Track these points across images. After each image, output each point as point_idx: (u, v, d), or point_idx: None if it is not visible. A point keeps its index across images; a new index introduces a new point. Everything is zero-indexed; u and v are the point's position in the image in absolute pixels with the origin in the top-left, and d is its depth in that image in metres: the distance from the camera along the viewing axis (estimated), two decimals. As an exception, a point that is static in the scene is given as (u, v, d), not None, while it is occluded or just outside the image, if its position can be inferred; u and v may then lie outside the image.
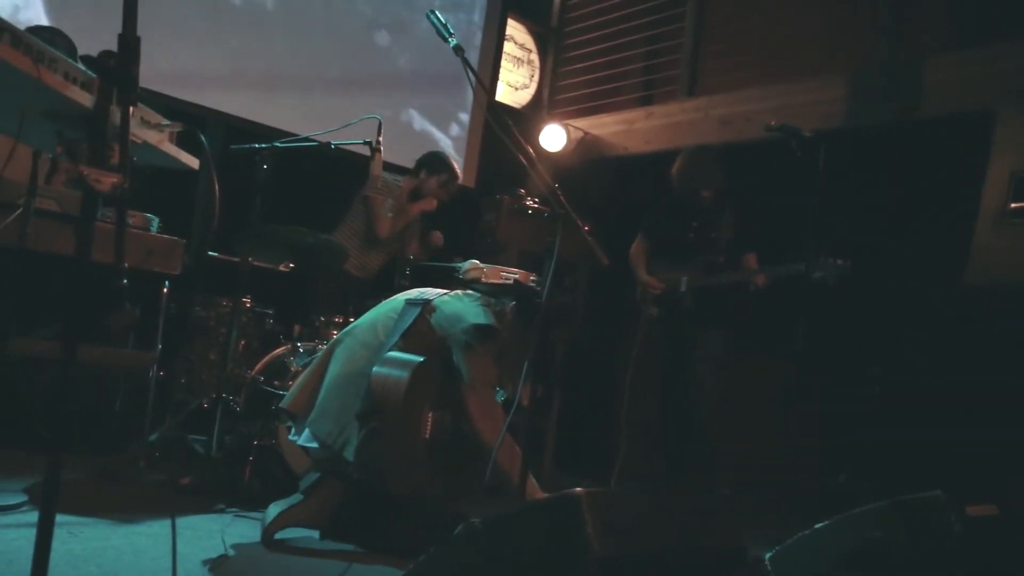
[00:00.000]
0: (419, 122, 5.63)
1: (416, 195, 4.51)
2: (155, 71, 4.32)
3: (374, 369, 2.67)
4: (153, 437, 3.48)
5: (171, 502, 2.95)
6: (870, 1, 4.67)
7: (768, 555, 2.84)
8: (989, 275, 3.88)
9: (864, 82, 4.49)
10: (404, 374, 2.62)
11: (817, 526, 2.80)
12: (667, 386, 4.12)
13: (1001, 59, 3.99)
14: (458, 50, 2.68)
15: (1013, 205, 3.90)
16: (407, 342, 2.76)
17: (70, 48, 3.12)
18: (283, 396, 2.98)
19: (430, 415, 2.72)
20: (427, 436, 2.71)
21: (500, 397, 2.95)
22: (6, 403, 3.16)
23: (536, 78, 6.46)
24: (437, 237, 4.65)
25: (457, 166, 4.61)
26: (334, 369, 2.82)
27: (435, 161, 4.54)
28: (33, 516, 1.59)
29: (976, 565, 2.52)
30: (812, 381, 4.00)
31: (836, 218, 3.58)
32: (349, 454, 2.61)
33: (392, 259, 4.51)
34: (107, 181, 1.60)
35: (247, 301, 3.80)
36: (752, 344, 4.27)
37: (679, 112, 5.51)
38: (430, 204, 4.50)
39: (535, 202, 5.19)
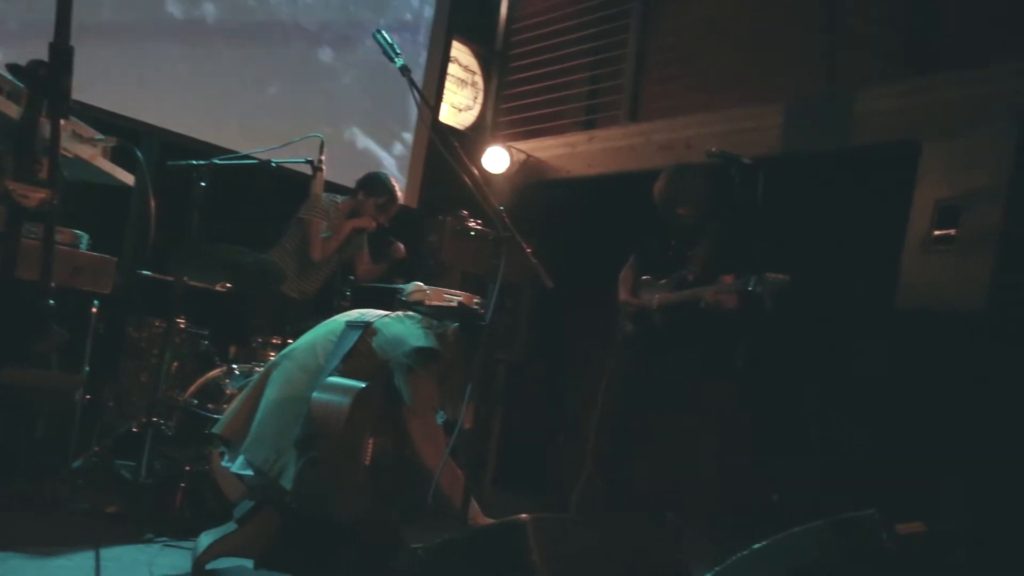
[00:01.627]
0: (362, 141, 5.58)
1: (354, 216, 4.45)
2: (86, 82, 4.18)
3: (314, 394, 2.60)
4: (78, 464, 3.34)
5: (96, 532, 2.83)
6: (805, 34, 4.80)
7: (708, 577, 2.86)
8: (916, 300, 4.00)
9: (799, 111, 4.61)
10: (346, 400, 2.56)
11: (755, 547, 2.83)
12: (636, 404, 4.10)
13: (925, 93, 4.14)
14: (404, 70, 2.67)
15: (937, 232, 4.03)
16: (348, 365, 2.70)
17: None
18: (217, 420, 2.89)
19: (371, 440, 2.67)
20: (368, 462, 2.65)
21: (441, 419, 2.91)
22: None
23: (480, 100, 6.48)
24: (399, 249, 4.59)
25: (398, 188, 4.56)
26: (271, 393, 2.74)
27: (374, 182, 4.49)
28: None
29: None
30: (750, 401, 4.05)
31: (775, 242, 3.65)
32: (287, 482, 2.54)
33: (331, 280, 4.44)
34: (35, 196, 1.53)
35: (181, 322, 3.68)
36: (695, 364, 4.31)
37: (621, 137, 5.57)
38: (367, 223, 4.44)
39: (479, 223, 5.18)
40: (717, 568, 2.84)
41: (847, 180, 4.45)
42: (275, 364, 2.83)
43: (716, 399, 4.08)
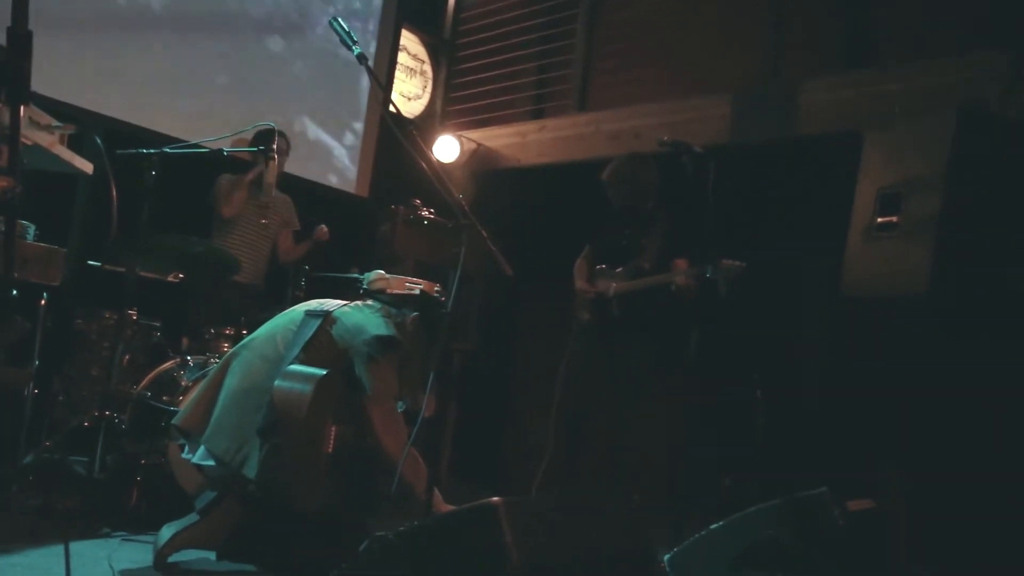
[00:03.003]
0: (313, 131, 5.52)
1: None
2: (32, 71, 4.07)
3: (276, 383, 2.60)
4: (28, 459, 3.26)
5: (51, 528, 2.78)
6: (751, 26, 4.91)
7: (666, 557, 2.93)
8: (861, 286, 4.13)
9: (745, 102, 4.71)
10: (307, 388, 2.56)
11: (712, 527, 2.91)
12: (593, 391, 4.15)
13: (866, 86, 4.28)
14: (362, 58, 2.67)
15: (880, 219, 4.16)
16: (308, 354, 2.70)
17: None
18: (173, 412, 2.86)
19: (333, 429, 2.67)
20: (330, 450, 2.65)
21: (401, 408, 2.93)
22: None
23: (429, 89, 6.46)
24: (322, 231, 4.56)
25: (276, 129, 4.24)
26: (231, 383, 2.72)
27: (254, 140, 4.23)
28: None
29: (857, 556, 2.69)
30: (703, 387, 4.13)
31: (725, 230, 3.73)
32: (250, 471, 2.53)
33: (281, 268, 4.41)
34: (-3, 185, 1.51)
35: (133, 313, 3.61)
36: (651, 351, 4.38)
37: (570, 126, 5.62)
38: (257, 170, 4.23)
39: (431, 212, 5.17)
40: (676, 548, 2.93)
41: (793, 170, 4.56)
42: (234, 354, 2.81)
43: (671, 386, 4.17)
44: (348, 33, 2.64)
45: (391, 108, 3.02)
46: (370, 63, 5.67)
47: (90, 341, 3.69)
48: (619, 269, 4.13)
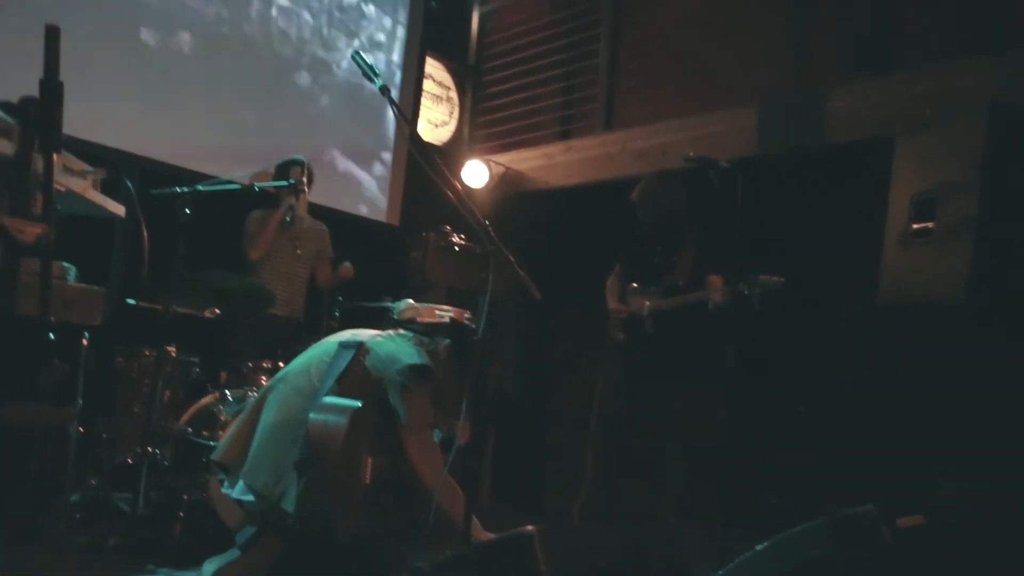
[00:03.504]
0: (342, 163, 5.59)
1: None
2: (69, 114, 4.18)
3: (311, 416, 2.61)
4: (74, 498, 3.31)
5: (98, 566, 2.81)
6: (774, 36, 4.89)
7: (710, 580, 2.89)
8: (898, 294, 4.06)
9: (772, 113, 4.67)
10: (342, 420, 2.57)
11: (757, 548, 2.86)
12: (630, 410, 4.11)
13: (894, 89, 4.22)
14: (384, 90, 2.69)
15: (915, 226, 4.10)
16: (342, 386, 2.71)
17: None
18: (213, 447, 2.89)
19: (369, 460, 2.67)
20: (367, 481, 2.66)
21: (437, 437, 2.93)
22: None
23: (456, 115, 6.51)
24: (346, 269, 4.58)
25: (296, 158, 4.34)
26: (267, 417, 2.74)
27: (276, 173, 4.29)
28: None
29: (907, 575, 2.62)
30: (743, 403, 4.08)
31: (758, 243, 3.70)
32: (288, 505, 2.54)
33: (319, 300, 4.45)
34: (31, 232, 1.55)
35: (172, 350, 3.67)
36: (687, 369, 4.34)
37: (597, 146, 5.62)
38: (285, 203, 4.27)
39: (462, 238, 5.19)
40: (720, 572, 2.88)
41: (824, 178, 4.52)
42: (270, 388, 2.84)
43: (710, 402, 4.12)
44: (371, 67, 2.67)
45: (416, 137, 3.03)
46: (395, 92, 5.80)
47: (131, 379, 3.75)
48: (652, 287, 4.10)
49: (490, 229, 2.68)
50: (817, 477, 4.10)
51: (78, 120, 4.23)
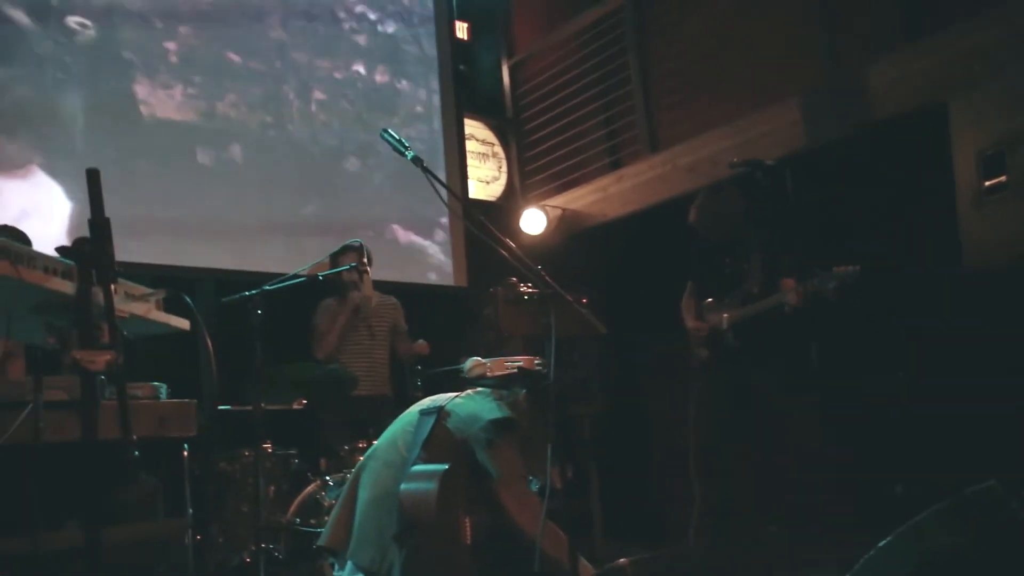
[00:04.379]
0: (403, 235, 5.74)
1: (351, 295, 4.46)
2: (139, 243, 4.45)
3: (402, 486, 2.65)
4: (202, 603, 3.43)
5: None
6: (802, 24, 4.82)
7: (837, 586, 2.77)
8: (982, 254, 3.91)
9: (814, 101, 4.60)
10: (432, 485, 2.60)
11: (880, 544, 2.74)
12: (726, 426, 4.03)
13: (937, 51, 4.10)
14: (416, 161, 2.77)
15: (987, 183, 3.95)
16: (429, 452, 2.75)
17: (25, 241, 3.24)
18: (327, 527, 2.95)
19: (467, 520, 2.69)
20: (468, 541, 2.67)
21: (535, 486, 2.92)
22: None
23: (504, 168, 6.62)
24: (421, 346, 4.64)
25: (353, 244, 4.36)
26: (363, 495, 2.80)
27: (332, 261, 4.32)
28: None
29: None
30: (839, 399, 3.96)
31: (824, 235, 3.63)
32: None
33: (400, 374, 4.54)
34: (100, 360, 1.64)
35: (268, 446, 3.80)
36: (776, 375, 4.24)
37: (647, 169, 5.62)
38: (352, 302, 4.42)
39: (529, 287, 5.23)
40: (847, 574, 2.76)
41: (878, 157, 4.40)
42: (363, 467, 2.90)
43: (805, 404, 4.01)
44: (399, 140, 2.76)
45: (454, 197, 3.10)
46: (440, 158, 5.94)
47: (235, 480, 3.89)
48: (727, 299, 4.04)
49: (544, 274, 2.71)
50: (938, 458, 3.92)
51: (151, 246, 4.54)
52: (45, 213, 4.40)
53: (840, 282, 3.53)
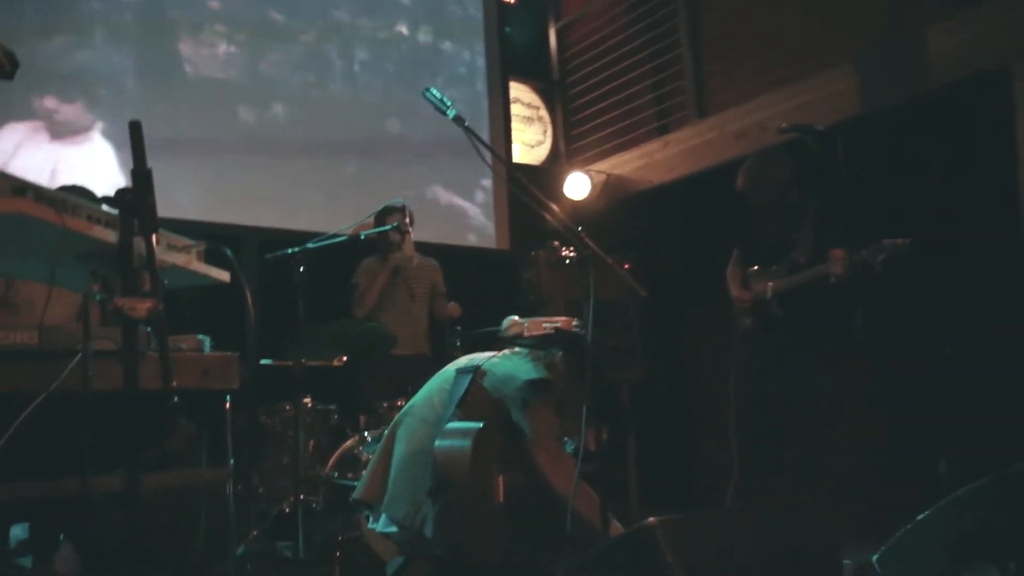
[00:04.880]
0: (444, 197, 5.74)
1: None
2: (184, 201, 4.52)
3: (436, 442, 2.68)
4: (241, 550, 3.51)
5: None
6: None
7: (875, 557, 2.74)
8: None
9: (870, 67, 4.46)
10: (466, 443, 2.62)
11: (919, 518, 2.70)
12: (770, 397, 3.99)
13: (1002, 16, 3.95)
14: (458, 120, 2.75)
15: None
16: (464, 410, 2.76)
17: (93, 199, 3.29)
18: (362, 480, 2.99)
19: (500, 478, 2.71)
20: (501, 500, 2.69)
21: (570, 448, 2.93)
22: (100, 542, 3.24)
23: (549, 132, 6.56)
24: (452, 308, 4.65)
25: (395, 204, 4.42)
26: (399, 450, 2.83)
27: (376, 219, 4.36)
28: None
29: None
30: (878, 374, 3.89)
31: (870, 205, 3.54)
32: (428, 531, 2.61)
33: (440, 332, 4.57)
34: (142, 307, 1.67)
35: (308, 401, 3.86)
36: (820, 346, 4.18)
37: (695, 135, 5.54)
38: (395, 262, 4.43)
39: (571, 251, 5.21)
40: (883, 547, 2.73)
41: (936, 125, 4.27)
42: (398, 423, 2.93)
43: (848, 376, 3.94)
44: (441, 99, 2.74)
45: (502, 160, 3.09)
46: (484, 121, 5.91)
47: (276, 433, 3.97)
48: (773, 267, 3.97)
49: (583, 235, 2.68)
50: (985, 436, 3.84)
51: (195, 203, 4.61)
52: (106, 176, 4.49)
53: (889, 254, 3.44)
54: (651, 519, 1.64)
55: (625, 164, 6.01)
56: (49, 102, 4.48)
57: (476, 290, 4.72)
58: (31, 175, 1.77)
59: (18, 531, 3.59)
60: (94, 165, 4.52)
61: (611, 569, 1.72)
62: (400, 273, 4.48)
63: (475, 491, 2.59)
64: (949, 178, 4.20)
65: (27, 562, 3.56)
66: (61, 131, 4.50)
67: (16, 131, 4.40)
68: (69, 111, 4.54)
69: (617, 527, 2.63)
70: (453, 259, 5.19)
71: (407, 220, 4.01)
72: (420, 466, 2.72)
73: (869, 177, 3.77)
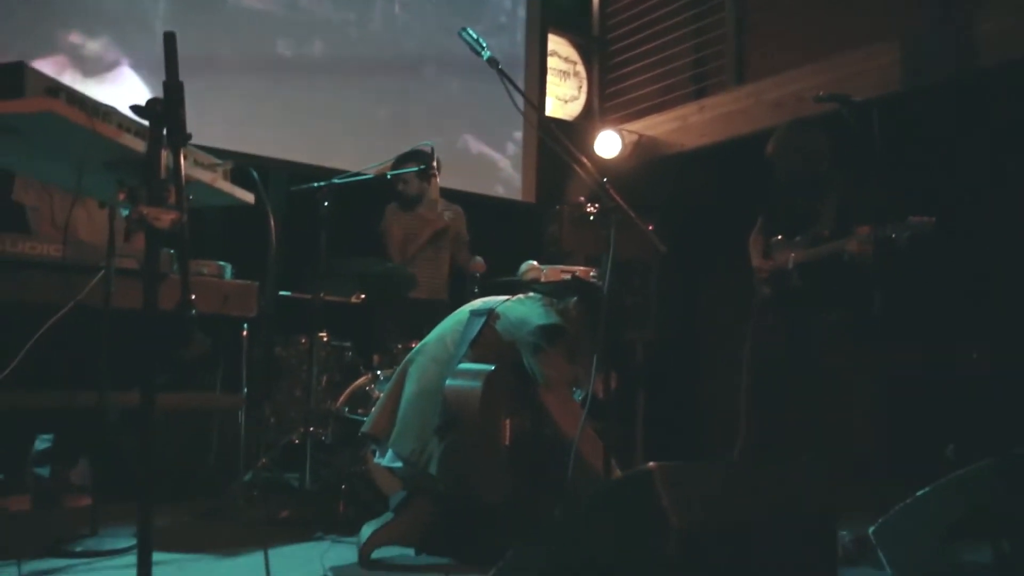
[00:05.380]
0: (475, 146, 5.72)
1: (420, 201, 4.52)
2: (215, 129, 4.53)
3: (447, 382, 2.71)
4: (248, 476, 3.59)
5: (271, 535, 3.04)
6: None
7: (871, 529, 2.76)
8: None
9: (915, 42, 4.37)
10: (477, 384, 2.65)
11: (919, 494, 2.71)
12: (783, 366, 3.99)
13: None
14: (492, 62, 2.73)
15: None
16: (476, 352, 2.79)
17: None
18: (372, 415, 3.04)
19: (507, 421, 2.74)
20: (508, 442, 2.73)
21: (578, 396, 2.95)
22: (114, 458, 3.33)
23: (584, 88, 6.50)
24: (477, 264, 4.66)
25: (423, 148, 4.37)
26: (409, 388, 2.87)
27: (398, 165, 4.33)
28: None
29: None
30: (900, 352, 3.86)
31: (900, 183, 3.48)
32: (433, 469, 2.65)
33: (460, 280, 4.59)
34: (166, 218, 1.69)
35: (324, 336, 3.90)
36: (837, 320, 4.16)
37: (731, 101, 5.46)
38: (433, 227, 4.51)
39: (595, 207, 5.18)
40: (881, 519, 2.75)
41: (979, 107, 4.18)
42: (410, 361, 2.97)
43: (861, 355, 3.92)
44: (476, 40, 2.72)
45: (534, 105, 3.07)
46: (520, 72, 5.86)
47: (291, 365, 4.02)
48: (797, 238, 3.94)
49: (609, 187, 2.67)
50: (997, 421, 3.82)
51: (226, 132, 4.62)
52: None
53: (915, 232, 3.40)
54: (651, 463, 1.66)
55: (658, 126, 5.95)
56: (75, 37, 4.47)
57: (499, 241, 4.72)
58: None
59: (41, 442, 3.70)
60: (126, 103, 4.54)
61: (607, 509, 1.74)
62: (443, 238, 4.52)
63: (482, 432, 2.63)
64: (986, 162, 4.13)
65: (44, 472, 3.68)
66: (91, 68, 4.48)
67: (46, 66, 4.40)
68: (95, 46, 4.53)
69: (617, 473, 2.66)
70: (479, 209, 5.19)
71: (434, 163, 4.00)
72: (429, 404, 2.75)
73: (902, 155, 3.71)
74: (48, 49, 4.34)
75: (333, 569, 2.66)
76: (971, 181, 4.20)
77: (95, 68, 4.48)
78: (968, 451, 3.87)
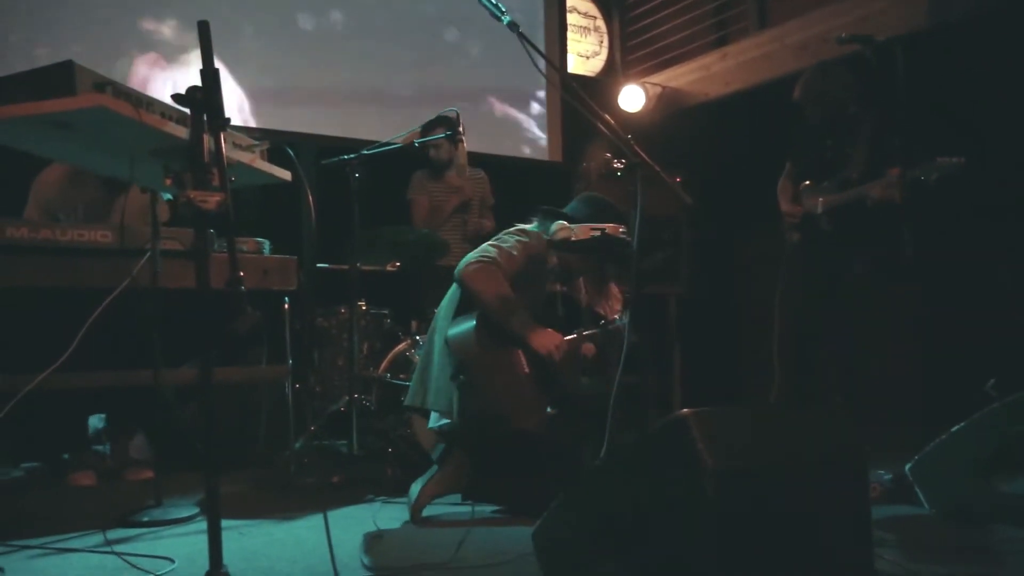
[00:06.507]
0: (499, 108, 5.75)
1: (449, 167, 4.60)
2: (249, 104, 4.61)
3: (448, 332, 2.82)
4: (299, 445, 3.71)
5: (324, 499, 3.17)
6: None
7: (908, 466, 2.81)
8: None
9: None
10: (471, 322, 2.77)
11: (954, 429, 2.75)
12: (815, 311, 4.01)
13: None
14: (512, 26, 2.74)
15: None
16: (463, 307, 2.94)
17: None
18: (410, 387, 3.14)
19: (520, 352, 2.83)
20: (528, 371, 2.81)
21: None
22: (172, 432, 3.48)
23: (605, 44, 6.47)
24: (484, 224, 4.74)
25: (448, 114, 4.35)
26: (435, 351, 2.97)
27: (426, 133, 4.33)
28: (205, 524, 1.77)
29: None
30: (934, 292, 3.86)
31: (928, 122, 3.46)
32: (455, 415, 2.76)
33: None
34: (212, 200, 1.77)
35: (362, 305, 4.00)
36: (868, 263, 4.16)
37: (753, 48, 5.41)
38: (462, 198, 4.60)
39: (623, 163, 5.20)
40: (917, 456, 2.80)
41: (1012, 44, 4.11)
42: (433, 328, 3.07)
43: (894, 296, 3.93)
44: (496, 5, 2.73)
45: (556, 67, 3.09)
46: (540, 31, 5.84)
47: (332, 335, 4.13)
48: (825, 183, 3.94)
49: (633, 143, 2.70)
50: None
51: (254, 110, 4.70)
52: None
53: (943, 173, 3.39)
54: (685, 410, 1.73)
55: (681, 77, 5.92)
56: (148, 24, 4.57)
57: (529, 201, 4.76)
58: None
59: (95, 421, 3.86)
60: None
61: (646, 456, 1.82)
62: (469, 208, 4.58)
63: (492, 365, 2.74)
64: (1016, 99, 4.07)
65: (105, 448, 3.84)
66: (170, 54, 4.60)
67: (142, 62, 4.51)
68: (167, 31, 4.62)
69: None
70: (507, 171, 5.23)
71: (460, 129, 4.04)
72: (446, 359, 2.86)
73: (929, 94, 3.68)
74: (135, 42, 4.52)
75: (386, 529, 2.77)
76: (996, 118, 4.15)
77: (174, 53, 4.60)
78: (1009, 386, 3.88)
